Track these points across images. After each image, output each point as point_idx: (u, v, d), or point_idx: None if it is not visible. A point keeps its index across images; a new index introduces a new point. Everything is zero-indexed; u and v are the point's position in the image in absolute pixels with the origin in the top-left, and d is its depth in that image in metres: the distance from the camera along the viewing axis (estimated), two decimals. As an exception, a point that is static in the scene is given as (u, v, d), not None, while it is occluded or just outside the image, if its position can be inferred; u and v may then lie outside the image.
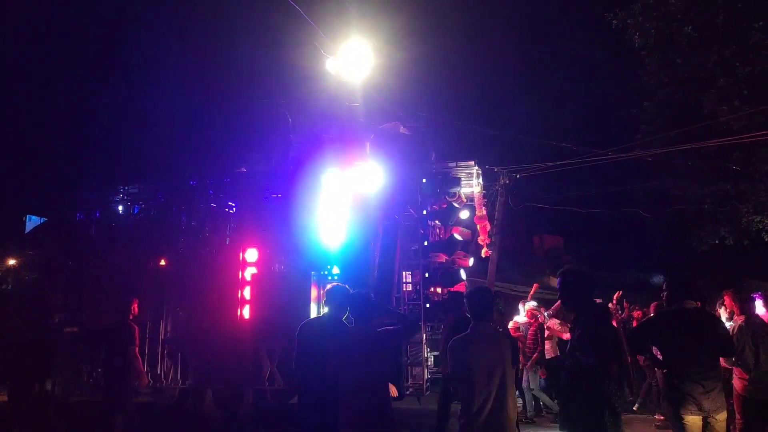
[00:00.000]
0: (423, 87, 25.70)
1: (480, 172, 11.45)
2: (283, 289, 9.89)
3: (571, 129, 27.35)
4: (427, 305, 10.04)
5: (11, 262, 11.63)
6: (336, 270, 10.04)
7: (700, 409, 4.89)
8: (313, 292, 9.90)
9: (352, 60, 19.28)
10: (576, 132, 26.91)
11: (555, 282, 4.93)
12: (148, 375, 10.42)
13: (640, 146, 20.89)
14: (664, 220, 22.74)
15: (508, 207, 22.44)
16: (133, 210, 11.27)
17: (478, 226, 11.65)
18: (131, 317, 7.94)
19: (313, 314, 9.73)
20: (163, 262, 10.67)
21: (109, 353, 8.00)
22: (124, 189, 11.32)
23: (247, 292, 10.07)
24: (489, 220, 12.26)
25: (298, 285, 9.76)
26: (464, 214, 11.76)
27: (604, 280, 22.69)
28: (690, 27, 18.94)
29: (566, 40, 28.69)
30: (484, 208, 11.65)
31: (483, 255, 12.35)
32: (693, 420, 4.93)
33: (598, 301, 7.96)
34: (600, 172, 22.27)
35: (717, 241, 21.21)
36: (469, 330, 4.70)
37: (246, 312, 10.02)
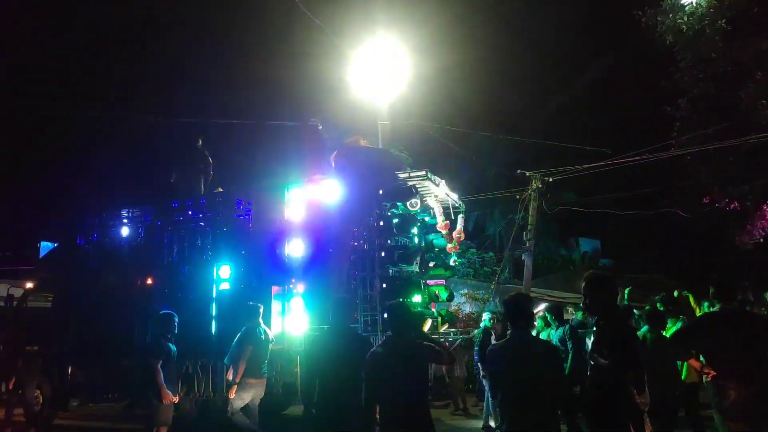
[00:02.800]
0: (452, 96, 25.24)
1: (439, 181, 10.89)
2: (242, 305, 9.68)
3: (604, 130, 26.05)
4: (385, 315, 9.58)
5: (28, 285, 12.15)
6: (300, 287, 9.80)
7: (749, 416, 4.53)
8: (275, 307, 9.66)
9: (378, 78, 19.17)
10: (609, 133, 25.58)
11: None
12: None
13: (676, 145, 19.62)
14: (703, 220, 21.22)
15: (542, 211, 21.69)
16: (139, 231, 11.50)
17: (443, 233, 11.11)
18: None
19: (274, 330, 9.49)
20: (149, 281, 10.76)
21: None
22: (128, 212, 11.60)
23: (214, 308, 10.03)
24: (463, 230, 11.68)
25: (261, 300, 9.52)
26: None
27: (641, 281, 21.38)
28: (723, 20, 17.68)
29: (594, 40, 27.46)
30: (443, 216, 11.09)
31: (451, 263, 11.75)
32: (738, 427, 4.62)
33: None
34: (636, 172, 21.10)
35: (762, 240, 19.58)
36: (508, 337, 4.52)
37: (213, 327, 9.98)
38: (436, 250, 11.59)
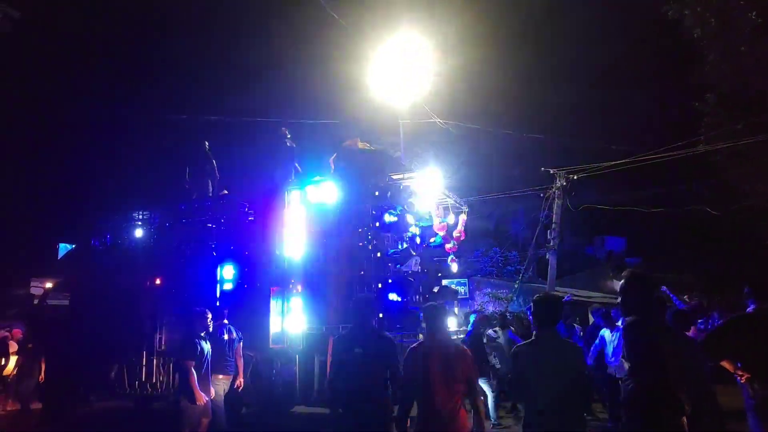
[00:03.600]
0: (475, 94, 25.24)
1: (436, 182, 11.07)
2: (248, 304, 10.07)
3: (629, 128, 25.69)
4: (380, 315, 9.84)
5: (48, 285, 12.81)
6: (299, 287, 10.10)
7: None
8: (274, 307, 9.99)
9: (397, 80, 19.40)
10: (636, 130, 25.24)
11: (618, 286, 4.75)
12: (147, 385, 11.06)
13: (704, 141, 19.31)
14: (733, 218, 20.82)
15: (566, 209, 21.59)
16: (148, 233, 12.01)
17: (439, 234, 11.27)
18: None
19: (273, 329, 9.82)
20: (158, 281, 11.23)
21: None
22: (138, 214, 12.12)
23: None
24: (461, 230, 11.80)
25: (261, 300, 9.90)
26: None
27: (668, 281, 21.10)
28: (754, 12, 17.37)
29: (620, 36, 27.07)
30: (439, 217, 11.24)
31: (449, 262, 11.90)
32: None
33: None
34: (663, 170, 20.82)
35: (794, 237, 19.18)
36: (533, 337, 4.54)
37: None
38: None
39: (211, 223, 11.06)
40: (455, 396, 4.86)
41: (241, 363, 9.08)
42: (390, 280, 10.44)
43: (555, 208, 20.39)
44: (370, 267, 9.96)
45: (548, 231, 20.75)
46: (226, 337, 8.88)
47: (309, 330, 10.10)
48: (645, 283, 4.41)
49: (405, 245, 10.83)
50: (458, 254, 27.11)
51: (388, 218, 10.32)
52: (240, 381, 9.05)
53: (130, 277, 11.64)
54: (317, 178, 10.58)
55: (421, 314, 6.25)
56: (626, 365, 4.43)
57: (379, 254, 10.03)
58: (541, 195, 20.72)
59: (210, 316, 8.05)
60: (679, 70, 22.65)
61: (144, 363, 11.18)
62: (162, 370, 10.99)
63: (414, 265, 11.13)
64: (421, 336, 10.11)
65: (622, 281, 4.47)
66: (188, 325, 7.91)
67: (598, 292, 23.17)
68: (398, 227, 10.46)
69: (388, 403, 5.19)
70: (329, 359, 9.87)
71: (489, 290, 23.91)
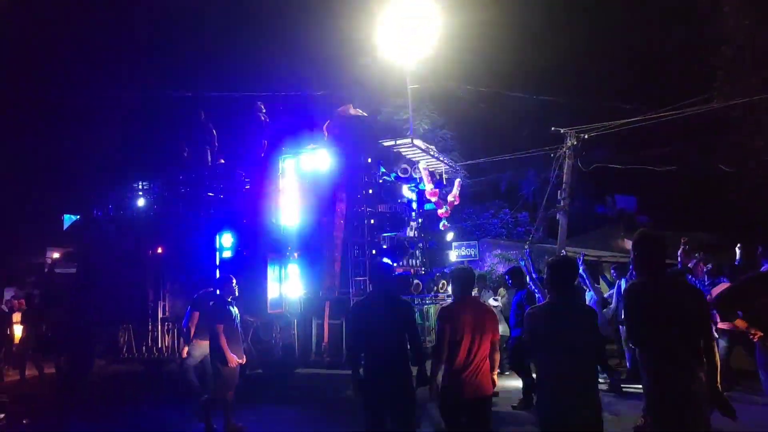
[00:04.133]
0: (483, 55, 25.09)
1: (427, 147, 11.23)
2: (246, 271, 10.44)
3: (641, 83, 25.37)
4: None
5: (55, 255, 13.35)
6: (295, 254, 10.46)
7: None
8: (271, 273, 10.36)
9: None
10: (647, 86, 24.92)
11: (629, 245, 4.86)
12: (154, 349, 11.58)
13: (718, 96, 19.11)
14: (748, 175, 20.68)
15: (577, 169, 21.55)
16: (149, 203, 12.43)
17: (433, 200, 11.47)
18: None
19: (271, 294, 10.21)
20: (160, 250, 11.66)
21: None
22: (139, 185, 12.52)
23: (217, 275, 10.82)
24: (454, 194, 11.99)
25: (258, 267, 10.27)
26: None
27: (679, 240, 21.12)
28: None
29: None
30: (432, 183, 11.42)
31: (441, 227, 12.09)
32: None
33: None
34: (675, 127, 20.63)
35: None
36: (547, 301, 4.57)
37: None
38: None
39: (209, 192, 11.40)
40: (485, 352, 5.26)
41: None
42: (384, 246, 10.79)
43: (565, 168, 20.35)
44: (363, 233, 10.23)
45: (559, 191, 20.79)
46: (212, 303, 9.31)
47: (306, 295, 10.50)
48: (655, 243, 4.33)
49: (401, 210, 11.08)
50: (467, 217, 27.42)
51: (381, 184, 10.57)
52: None
53: (132, 246, 12.05)
54: (311, 146, 10.83)
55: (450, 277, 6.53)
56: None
57: (372, 221, 10.29)
58: (552, 155, 20.71)
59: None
60: (693, 23, 22.29)
61: (149, 329, 11.71)
62: (167, 336, 11.49)
63: (409, 230, 11.38)
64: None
65: (632, 242, 4.44)
66: (219, 289, 8.14)
67: (609, 251, 23.26)
68: (391, 193, 10.71)
69: (408, 366, 5.35)
70: (326, 322, 10.32)
71: (499, 252, 24.03)
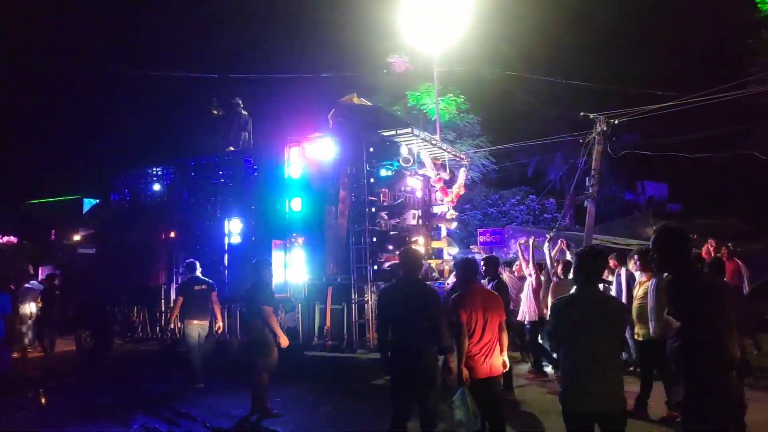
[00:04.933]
0: (510, 38, 25.15)
1: (429, 137, 11.53)
2: (252, 255, 10.98)
3: (674, 67, 25.05)
4: (375, 267, 10.61)
5: (76, 237, 14.17)
6: (300, 240, 10.97)
7: None
8: (277, 258, 10.91)
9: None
10: (680, 70, 24.61)
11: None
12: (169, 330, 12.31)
13: (755, 81, 18.93)
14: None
15: (606, 155, 21.54)
16: (163, 188, 13.13)
17: (437, 187, 11.79)
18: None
19: (276, 279, 10.73)
20: (172, 234, 12.34)
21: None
22: (153, 170, 13.21)
23: (226, 259, 11.46)
24: (455, 186, 12.27)
25: (264, 252, 10.80)
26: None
27: (713, 227, 21.00)
28: None
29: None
30: (440, 171, 11.73)
31: (448, 218, 12.37)
32: None
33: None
34: (709, 112, 20.44)
35: None
36: (573, 291, 4.56)
37: (225, 277, 11.44)
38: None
39: (219, 179, 11.98)
40: (495, 334, 5.69)
41: (217, 309, 10.03)
42: (390, 233, 11.19)
43: (594, 154, 20.32)
44: (365, 221, 10.65)
45: (587, 178, 20.80)
46: (196, 287, 9.89)
47: (310, 281, 10.99)
48: (677, 237, 4.27)
49: (401, 200, 11.44)
50: (492, 203, 27.62)
51: (384, 173, 10.96)
52: (219, 325, 9.99)
53: (147, 230, 12.72)
54: (316, 134, 11.26)
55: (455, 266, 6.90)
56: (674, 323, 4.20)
57: (374, 209, 10.71)
58: (581, 141, 20.72)
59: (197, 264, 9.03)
60: (730, 4, 21.94)
61: (163, 310, 12.41)
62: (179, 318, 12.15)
63: (411, 218, 11.75)
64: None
65: (653, 236, 4.41)
66: (256, 274, 8.25)
67: (636, 239, 23.22)
68: (394, 181, 11.10)
69: (435, 352, 5.57)
70: (328, 307, 10.82)
71: (525, 238, 24.18)
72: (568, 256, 10.86)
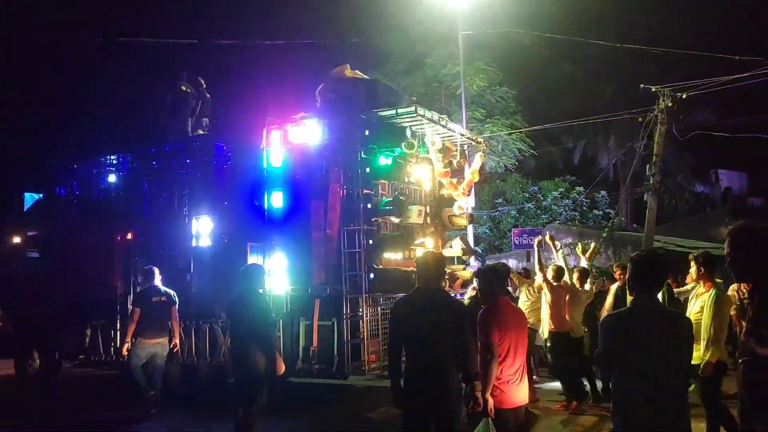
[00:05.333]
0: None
1: (439, 118, 11.78)
2: (223, 262, 11.38)
3: (755, 30, 25.02)
4: (371, 275, 10.87)
5: (16, 240, 14.63)
6: (281, 242, 11.30)
7: None
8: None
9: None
10: (763, 34, 24.59)
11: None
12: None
13: None
14: None
15: (671, 137, 21.64)
16: (118, 180, 13.56)
17: (444, 182, 12.06)
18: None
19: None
20: (129, 236, 12.77)
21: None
22: (107, 159, 13.64)
23: (192, 266, 11.86)
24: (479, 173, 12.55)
25: (238, 257, 11.13)
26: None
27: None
28: None
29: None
30: (445, 159, 11.97)
31: (458, 212, 12.65)
32: None
33: None
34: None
35: None
36: (630, 305, 4.63)
37: (192, 287, 11.84)
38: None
39: (186, 169, 12.36)
40: (524, 357, 5.91)
41: (176, 325, 10.48)
42: (385, 234, 11.51)
43: (657, 136, 20.36)
44: (359, 219, 10.86)
45: (647, 165, 20.89)
46: (155, 299, 10.32)
47: (293, 291, 11.21)
48: (760, 239, 4.17)
49: (401, 195, 11.70)
50: (530, 196, 27.75)
51: (382, 161, 11.23)
52: (176, 342, 10.44)
53: (100, 231, 13.08)
54: (300, 115, 11.54)
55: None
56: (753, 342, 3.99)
57: (369, 205, 10.93)
58: (640, 120, 20.82)
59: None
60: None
61: (118, 327, 12.79)
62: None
63: (417, 215, 12.01)
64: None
65: (728, 237, 4.31)
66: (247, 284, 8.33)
67: (709, 241, 23.28)
68: (394, 172, 11.37)
69: (457, 378, 5.66)
70: (315, 324, 11.12)
71: (570, 240, 24.22)
72: (560, 261, 11.12)
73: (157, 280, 10.61)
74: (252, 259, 11.24)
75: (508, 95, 25.47)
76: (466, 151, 13.01)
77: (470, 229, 20.68)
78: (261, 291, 8.53)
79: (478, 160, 12.86)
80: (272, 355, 7.95)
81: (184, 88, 14.30)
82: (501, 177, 27.98)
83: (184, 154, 12.66)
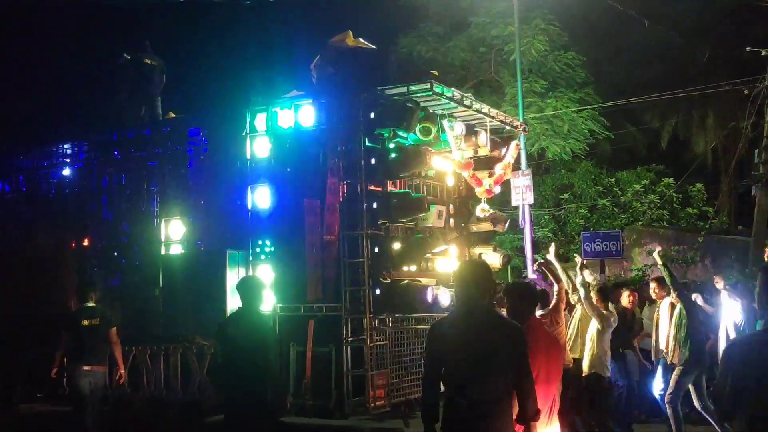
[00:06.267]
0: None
1: (459, 96, 12.15)
2: (196, 274, 12.04)
3: None
4: (377, 291, 11.38)
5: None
6: (267, 250, 11.89)
7: None
8: (232, 278, 11.81)
9: None
10: None
11: None
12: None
13: None
14: None
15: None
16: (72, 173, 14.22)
17: (466, 175, 12.35)
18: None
19: (233, 307, 11.65)
20: (86, 242, 13.43)
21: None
22: (59, 149, 14.28)
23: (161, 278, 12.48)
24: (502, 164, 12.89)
25: (215, 267, 11.80)
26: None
27: None
28: None
29: None
30: (467, 148, 12.33)
31: (480, 215, 12.90)
32: None
33: None
34: None
35: None
36: (760, 328, 4.96)
37: (160, 303, 12.51)
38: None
39: (154, 161, 12.97)
40: (554, 391, 6.20)
41: (117, 351, 10.93)
42: (397, 241, 11.95)
43: (768, 113, 20.53)
44: (362, 222, 11.27)
45: (756, 150, 20.95)
46: (86, 322, 10.76)
47: (281, 311, 11.75)
48: None
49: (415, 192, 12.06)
50: (602, 193, 27.61)
51: (391, 150, 11.71)
52: (121, 373, 10.94)
53: (51, 235, 13.78)
54: (292, 94, 11.94)
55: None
56: None
57: (375, 204, 11.39)
58: (746, 92, 20.90)
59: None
60: None
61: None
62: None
63: (436, 216, 12.38)
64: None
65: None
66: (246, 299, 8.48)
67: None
68: (405, 163, 11.75)
69: (510, 419, 5.70)
70: (309, 351, 11.61)
71: (657, 247, 24.00)
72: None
73: (92, 301, 11.05)
74: (231, 271, 11.82)
75: (576, 62, 25.40)
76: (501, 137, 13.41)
77: (528, 232, 20.77)
78: (261, 309, 8.66)
79: (513, 150, 13.24)
80: (279, 387, 8.59)
81: (148, 61, 14.84)
82: (567, 166, 27.98)
83: (151, 142, 13.25)
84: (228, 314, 11.03)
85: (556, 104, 24.32)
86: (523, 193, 19.54)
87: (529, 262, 21.23)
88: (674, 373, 10.52)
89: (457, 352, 5.65)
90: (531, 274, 20.40)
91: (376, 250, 11.50)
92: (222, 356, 8.48)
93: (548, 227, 27.88)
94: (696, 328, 10.62)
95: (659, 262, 11.28)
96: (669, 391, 10.53)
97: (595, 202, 27.60)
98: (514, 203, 19.62)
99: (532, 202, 19.82)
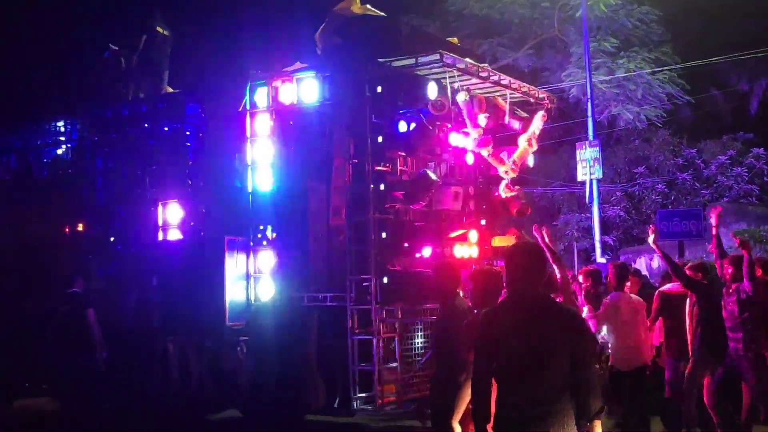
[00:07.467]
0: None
1: (474, 66, 12.79)
2: (191, 263, 13.08)
3: None
4: (385, 279, 12.11)
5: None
6: (270, 235, 12.90)
7: None
8: (231, 266, 12.88)
9: None
10: None
11: None
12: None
13: None
14: None
15: None
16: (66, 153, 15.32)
17: (484, 153, 12.92)
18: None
19: (232, 298, 12.74)
20: (81, 226, 14.57)
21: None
22: (52, 126, 15.39)
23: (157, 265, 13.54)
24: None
25: (213, 255, 12.89)
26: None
27: None
28: None
29: None
30: (481, 124, 12.91)
31: (503, 194, 13.48)
32: None
33: None
34: None
35: None
36: None
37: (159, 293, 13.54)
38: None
39: (151, 140, 14.01)
40: None
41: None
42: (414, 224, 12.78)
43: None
44: (369, 205, 12.00)
45: None
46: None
47: (283, 300, 11.87)
48: None
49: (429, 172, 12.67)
50: (685, 163, 27.81)
51: (401, 128, 12.19)
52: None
53: (43, 220, 14.78)
54: (295, 66, 12.80)
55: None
56: None
57: (382, 186, 12.12)
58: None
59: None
60: None
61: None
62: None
63: (454, 199, 13.12)
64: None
65: None
66: None
67: None
68: (416, 142, 12.42)
69: (571, 417, 5.84)
70: (313, 344, 12.47)
71: (744, 226, 24.24)
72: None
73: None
74: (230, 258, 12.87)
75: (651, 17, 26.06)
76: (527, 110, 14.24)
77: (596, 211, 21.07)
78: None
79: (537, 122, 13.75)
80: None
81: (160, 29, 15.74)
82: (642, 136, 28.48)
83: (148, 119, 14.26)
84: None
85: (628, 65, 24.63)
86: (590, 166, 19.96)
87: (597, 245, 21.84)
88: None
89: (512, 345, 5.76)
90: (599, 258, 21.19)
91: (384, 235, 12.21)
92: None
93: (620, 205, 28.39)
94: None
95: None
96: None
97: (673, 177, 28.09)
98: (580, 178, 20.15)
99: (601, 176, 20.21)
